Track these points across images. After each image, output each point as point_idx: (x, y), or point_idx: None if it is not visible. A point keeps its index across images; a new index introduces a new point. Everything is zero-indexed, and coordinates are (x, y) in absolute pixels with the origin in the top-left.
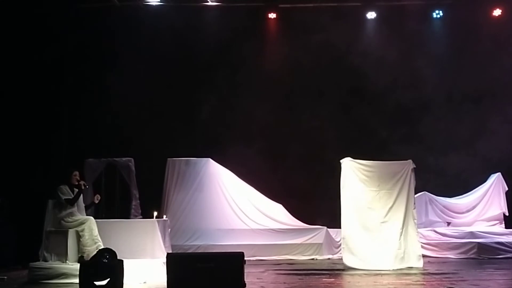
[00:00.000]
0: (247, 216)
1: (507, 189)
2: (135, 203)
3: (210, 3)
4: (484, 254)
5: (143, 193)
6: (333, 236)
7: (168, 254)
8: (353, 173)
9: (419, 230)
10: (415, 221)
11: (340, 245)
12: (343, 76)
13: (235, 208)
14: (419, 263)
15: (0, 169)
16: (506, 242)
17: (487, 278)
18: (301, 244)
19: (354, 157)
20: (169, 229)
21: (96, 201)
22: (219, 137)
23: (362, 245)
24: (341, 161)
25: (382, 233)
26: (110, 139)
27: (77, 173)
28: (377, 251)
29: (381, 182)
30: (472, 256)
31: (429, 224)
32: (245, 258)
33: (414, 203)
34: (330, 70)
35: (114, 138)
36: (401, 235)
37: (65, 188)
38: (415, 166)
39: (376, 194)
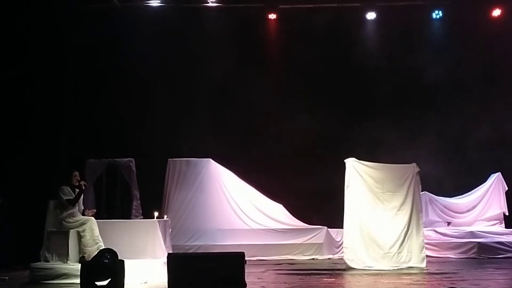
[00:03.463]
0: (247, 216)
1: (507, 189)
2: (136, 203)
3: (210, 4)
4: (484, 253)
5: (144, 193)
6: (334, 236)
7: (169, 254)
8: (358, 174)
9: None
10: (421, 224)
11: (340, 245)
12: (343, 76)
13: (236, 208)
14: (422, 264)
15: (1, 169)
16: (506, 241)
17: (487, 277)
18: (301, 244)
19: (355, 157)
20: (170, 229)
21: (87, 215)
22: (219, 137)
23: (364, 245)
24: (345, 160)
25: (385, 233)
26: (111, 140)
27: (77, 173)
28: (379, 251)
29: (385, 184)
30: (472, 255)
31: (429, 224)
32: (246, 258)
33: (421, 208)
34: (330, 70)
35: (115, 138)
36: (405, 237)
37: (67, 189)
38: (419, 169)
39: (380, 195)
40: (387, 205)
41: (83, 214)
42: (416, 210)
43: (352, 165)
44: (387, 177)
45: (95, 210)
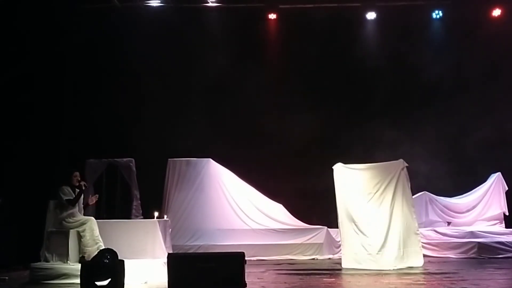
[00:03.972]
0: (247, 216)
1: (507, 188)
2: (136, 203)
3: (210, 4)
4: (484, 253)
5: (144, 193)
6: (334, 236)
7: (169, 254)
8: (346, 179)
9: (420, 229)
10: (415, 218)
11: (340, 245)
12: (343, 76)
13: (236, 208)
14: (419, 262)
15: (1, 169)
16: (506, 241)
17: (487, 277)
18: (301, 244)
19: (354, 157)
20: (170, 229)
21: (91, 203)
22: (219, 137)
23: (361, 249)
24: (333, 167)
25: (381, 234)
26: (111, 140)
27: (77, 173)
28: (377, 253)
29: (375, 184)
30: (472, 255)
31: (429, 224)
32: (246, 258)
33: (412, 203)
34: (330, 70)
35: (115, 138)
36: (401, 235)
37: (67, 189)
38: (407, 165)
39: (371, 197)
40: (379, 205)
41: (86, 202)
42: (408, 206)
43: (340, 170)
44: (375, 177)
45: (97, 195)
